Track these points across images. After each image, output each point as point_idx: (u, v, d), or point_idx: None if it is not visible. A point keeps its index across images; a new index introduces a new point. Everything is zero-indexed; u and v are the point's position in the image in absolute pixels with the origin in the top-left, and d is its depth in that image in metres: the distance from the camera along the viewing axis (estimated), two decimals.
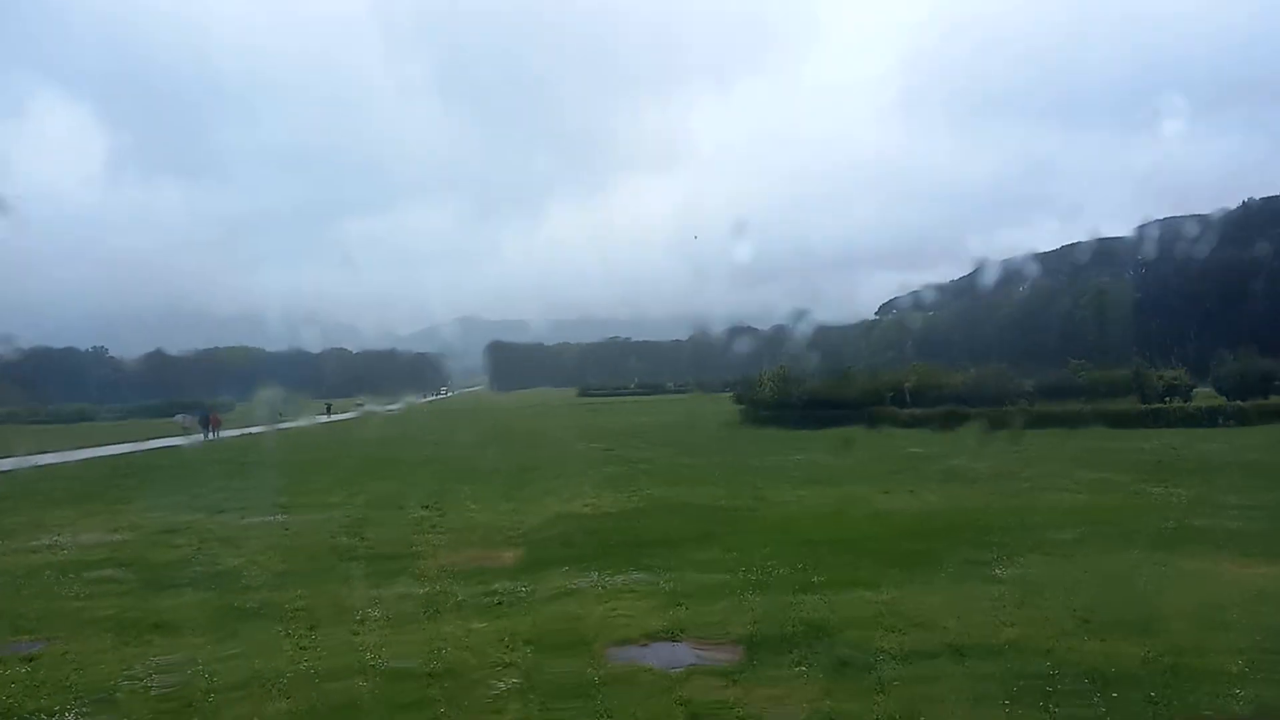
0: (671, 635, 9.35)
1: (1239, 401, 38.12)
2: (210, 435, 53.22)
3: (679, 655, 8.72)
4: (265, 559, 14.55)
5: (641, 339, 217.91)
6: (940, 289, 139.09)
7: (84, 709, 7.71)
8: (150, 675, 8.51)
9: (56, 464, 37.14)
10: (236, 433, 56.43)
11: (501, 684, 7.93)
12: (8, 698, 8.07)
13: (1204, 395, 43.05)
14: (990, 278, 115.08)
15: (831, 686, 7.57)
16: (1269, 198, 76.40)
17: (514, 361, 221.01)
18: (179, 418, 58.56)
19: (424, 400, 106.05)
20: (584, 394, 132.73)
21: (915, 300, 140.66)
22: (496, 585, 12.01)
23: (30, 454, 41.39)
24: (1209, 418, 36.13)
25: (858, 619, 9.53)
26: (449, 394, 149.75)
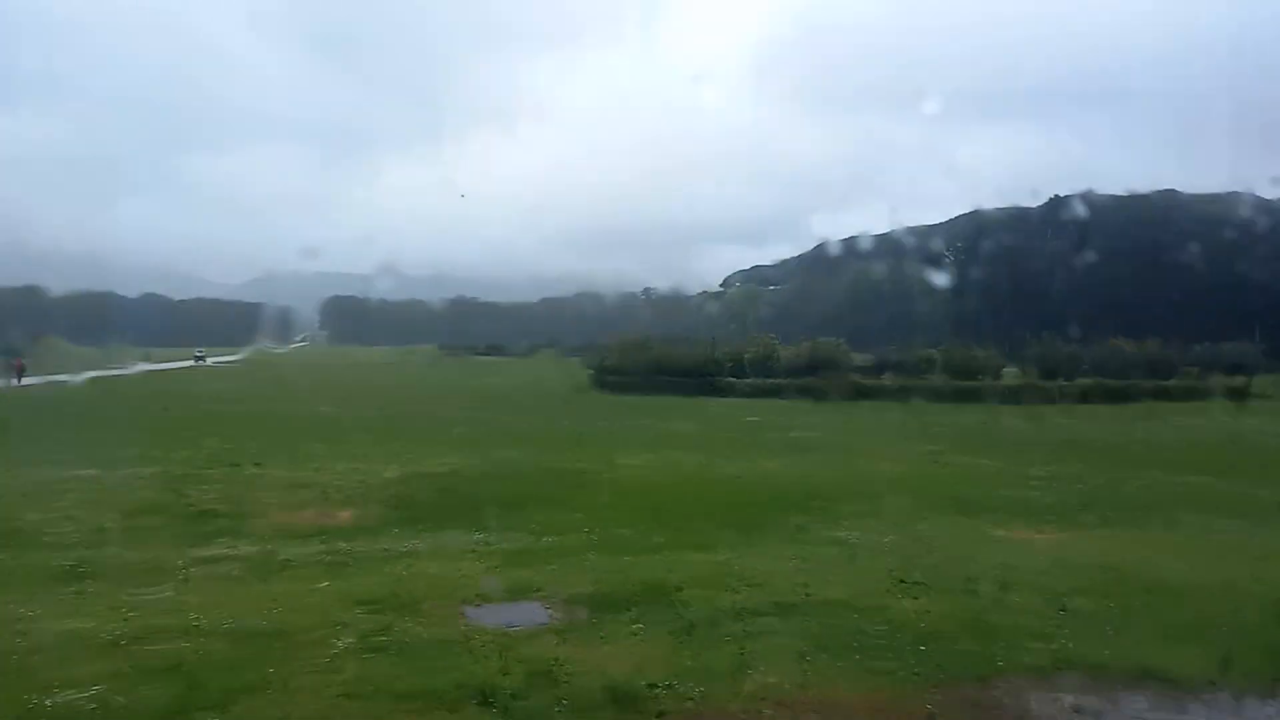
0: (515, 595, 9.41)
1: (1043, 381, 41.81)
2: (14, 381, 48.79)
3: (521, 614, 8.79)
4: (80, 515, 13.51)
5: (491, 299, 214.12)
6: (781, 265, 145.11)
7: None
8: None
9: None
10: (39, 380, 51.89)
11: (338, 644, 7.76)
12: None
13: (1012, 375, 46.87)
14: (827, 257, 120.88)
15: (669, 643, 7.86)
16: (1068, 195, 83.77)
17: (356, 317, 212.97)
18: None
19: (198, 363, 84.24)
20: (443, 352, 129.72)
21: (757, 275, 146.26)
22: (333, 545, 11.70)
23: None
24: (1015, 395, 39.42)
25: (695, 579, 9.90)
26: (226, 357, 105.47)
